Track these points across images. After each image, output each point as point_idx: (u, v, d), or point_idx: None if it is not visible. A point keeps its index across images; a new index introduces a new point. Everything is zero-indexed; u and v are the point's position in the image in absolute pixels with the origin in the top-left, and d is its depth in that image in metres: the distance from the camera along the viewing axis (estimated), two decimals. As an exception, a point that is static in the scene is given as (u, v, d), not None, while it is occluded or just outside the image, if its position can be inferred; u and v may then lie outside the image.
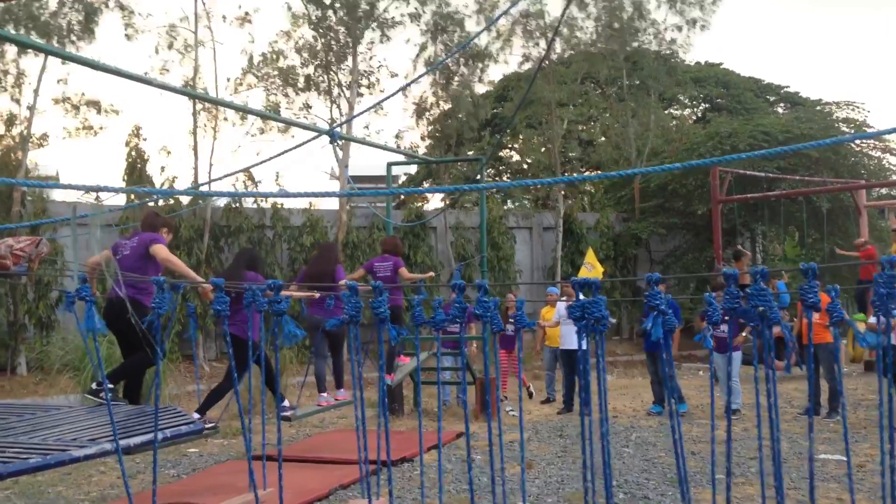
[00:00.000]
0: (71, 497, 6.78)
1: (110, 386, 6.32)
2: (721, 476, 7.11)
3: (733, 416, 10.00)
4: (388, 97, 8.48)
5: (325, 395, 8.04)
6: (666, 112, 27.64)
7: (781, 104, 30.13)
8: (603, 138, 25.54)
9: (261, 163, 7.89)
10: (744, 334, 9.45)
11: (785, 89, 30.40)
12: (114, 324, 6.35)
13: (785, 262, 19.41)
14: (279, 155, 7.77)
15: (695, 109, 30.92)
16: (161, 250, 6.17)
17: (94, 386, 6.24)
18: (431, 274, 12.36)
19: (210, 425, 6.58)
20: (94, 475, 7.45)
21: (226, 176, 10.96)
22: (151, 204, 15.81)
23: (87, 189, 5.60)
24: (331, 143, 9.09)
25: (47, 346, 12.15)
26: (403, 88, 11.38)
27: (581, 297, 3.54)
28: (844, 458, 7.65)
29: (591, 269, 14.03)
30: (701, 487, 6.59)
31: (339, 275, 8.18)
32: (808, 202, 18.18)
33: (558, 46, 21.47)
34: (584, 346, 3.94)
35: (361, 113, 9.96)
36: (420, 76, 9.43)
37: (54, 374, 10.67)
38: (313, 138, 8.45)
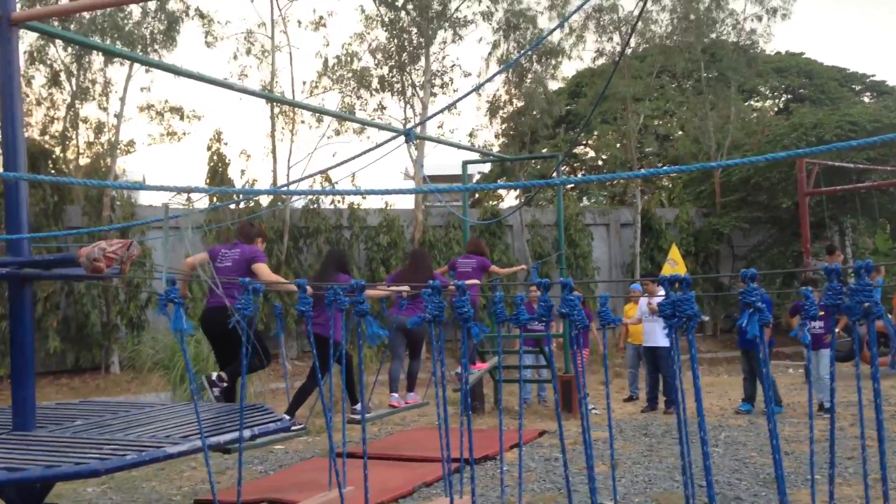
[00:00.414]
0: (164, 492, 6.97)
1: (216, 382, 6.45)
2: (818, 476, 6.89)
3: (825, 415, 9.71)
4: (463, 97, 8.47)
5: (395, 395, 8.02)
6: (746, 104, 26.93)
7: (867, 93, 29.04)
8: (680, 132, 25.05)
9: (341, 163, 7.96)
10: (837, 329, 9.13)
11: (871, 78, 29.29)
12: (210, 330, 6.60)
13: (876, 255, 18.70)
14: (359, 155, 7.86)
15: (776, 101, 30.05)
16: (263, 271, 6.39)
17: (213, 377, 6.49)
18: (523, 266, 12.25)
19: (299, 426, 6.69)
20: (186, 471, 7.65)
21: (305, 178, 11.15)
22: (233, 207, 16.24)
23: (178, 190, 5.72)
24: (406, 142, 9.16)
25: (138, 345, 12.53)
26: (478, 88, 11.37)
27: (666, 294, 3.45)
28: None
29: (675, 265, 13.77)
30: (795, 488, 6.39)
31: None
32: (901, 193, 17.47)
33: (632, 40, 21.17)
34: (674, 344, 3.86)
35: (437, 114, 9.93)
36: (494, 75, 9.39)
37: (145, 372, 11.00)
38: (391, 138, 8.52)
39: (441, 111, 10.20)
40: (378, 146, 8.84)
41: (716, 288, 19.32)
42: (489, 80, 12.53)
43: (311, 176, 10.67)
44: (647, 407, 10.65)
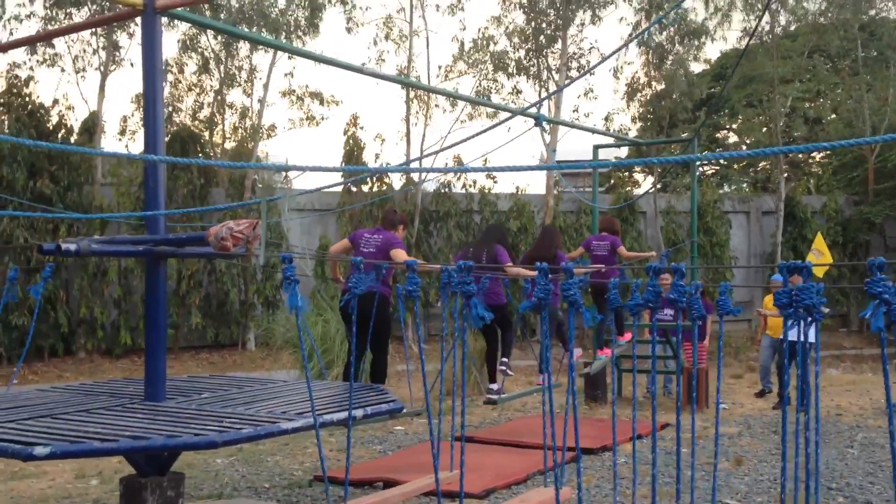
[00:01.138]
0: (286, 466, 7.23)
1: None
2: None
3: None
4: (588, 71, 8.31)
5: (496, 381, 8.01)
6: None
7: None
8: (833, 115, 23.64)
9: (468, 139, 8.05)
10: None
11: None
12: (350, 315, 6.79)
13: None
14: (483, 132, 7.89)
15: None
16: (399, 255, 6.56)
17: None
18: (653, 253, 11.90)
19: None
20: (310, 447, 7.90)
21: (436, 152, 11.24)
22: (365, 189, 16.60)
23: (303, 169, 5.89)
24: (536, 125, 9.10)
25: (272, 323, 13.06)
26: (602, 61, 11.05)
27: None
28: None
29: (820, 255, 12.99)
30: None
31: (558, 259, 8.21)
32: None
33: (783, 18, 20.10)
34: (794, 337, 3.66)
35: (558, 91, 9.80)
36: (621, 47, 9.06)
37: (277, 350, 11.44)
38: (509, 117, 8.44)
39: (561, 89, 10.02)
40: (498, 124, 8.87)
41: (863, 280, 18.15)
42: (616, 52, 11.96)
43: (441, 150, 10.71)
44: (779, 403, 10.16)
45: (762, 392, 11.06)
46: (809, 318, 3.36)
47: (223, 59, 16.91)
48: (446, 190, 17.17)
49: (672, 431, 8.79)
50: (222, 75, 16.98)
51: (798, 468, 3.41)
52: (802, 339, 3.57)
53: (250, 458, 7.51)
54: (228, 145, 18.08)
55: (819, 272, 12.48)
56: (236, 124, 17.85)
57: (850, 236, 19.07)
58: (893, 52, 20.07)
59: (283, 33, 16.38)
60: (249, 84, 17.22)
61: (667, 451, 7.81)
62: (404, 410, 5.44)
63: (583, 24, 18.26)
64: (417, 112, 17.96)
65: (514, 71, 18.42)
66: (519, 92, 18.69)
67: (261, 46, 16.46)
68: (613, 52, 7.40)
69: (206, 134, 17.49)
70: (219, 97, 17.25)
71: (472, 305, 4.01)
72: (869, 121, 19.70)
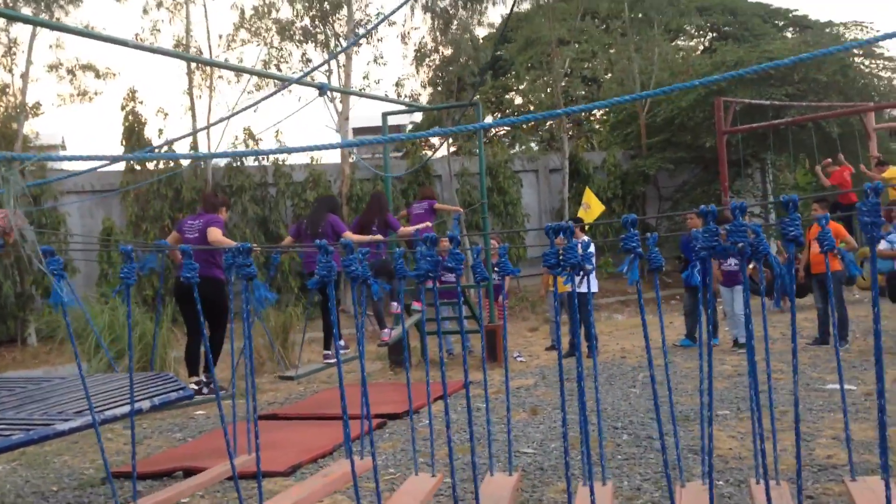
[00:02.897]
0: (76, 466, 6.81)
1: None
2: (726, 412, 7.05)
3: (740, 350, 9.95)
4: (368, 33, 8.32)
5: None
6: (672, 44, 27.02)
7: (790, 29, 29.40)
8: (608, 75, 25.08)
9: (249, 107, 7.99)
10: (750, 266, 9.34)
11: (793, 13, 29.63)
12: (182, 301, 7.04)
13: (797, 190, 19.11)
14: (260, 101, 7.79)
15: (702, 40, 30.24)
16: (213, 233, 6.82)
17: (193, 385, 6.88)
18: (461, 210, 12.28)
19: (223, 391, 6.86)
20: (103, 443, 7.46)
21: (223, 120, 10.89)
22: (151, 167, 15.76)
23: (73, 159, 5.49)
24: (320, 95, 8.97)
25: (51, 316, 12.17)
26: (380, 22, 11.23)
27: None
28: (854, 388, 7.56)
29: (588, 208, 13.75)
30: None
31: (390, 223, 8.72)
32: (818, 128, 17.78)
33: (557, -19, 20.95)
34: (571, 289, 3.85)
35: (333, 56, 9.75)
36: (398, 7, 9.07)
37: (60, 343, 10.70)
38: (287, 85, 8.30)
39: (336, 55, 9.94)
40: (273, 94, 8.74)
41: (643, 230, 19.52)
42: (393, 13, 12.00)
43: (223, 121, 10.38)
44: (569, 352, 10.75)
45: (552, 346, 11.59)
46: (581, 274, 3.52)
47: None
48: (238, 164, 16.64)
49: (474, 389, 9.10)
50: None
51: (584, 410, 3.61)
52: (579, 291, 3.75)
53: (34, 462, 7.00)
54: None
55: (591, 218, 13.26)
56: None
57: (629, 189, 20.37)
58: (657, 13, 21.53)
59: (42, 4, 15.10)
60: (9, 58, 15.78)
61: (476, 408, 8.09)
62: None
63: (367, -10, 18.17)
64: (201, 84, 17.22)
65: (301, 39, 18.07)
66: (308, 60, 18.36)
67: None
68: (392, 12, 7.42)
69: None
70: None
71: (254, 287, 3.91)
72: (638, 79, 21.06)
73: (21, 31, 15.79)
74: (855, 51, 20.30)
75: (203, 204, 7.46)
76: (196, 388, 7.07)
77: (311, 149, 4.07)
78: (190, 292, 6.38)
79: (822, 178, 14.33)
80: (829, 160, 14.51)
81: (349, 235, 7.66)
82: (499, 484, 4.00)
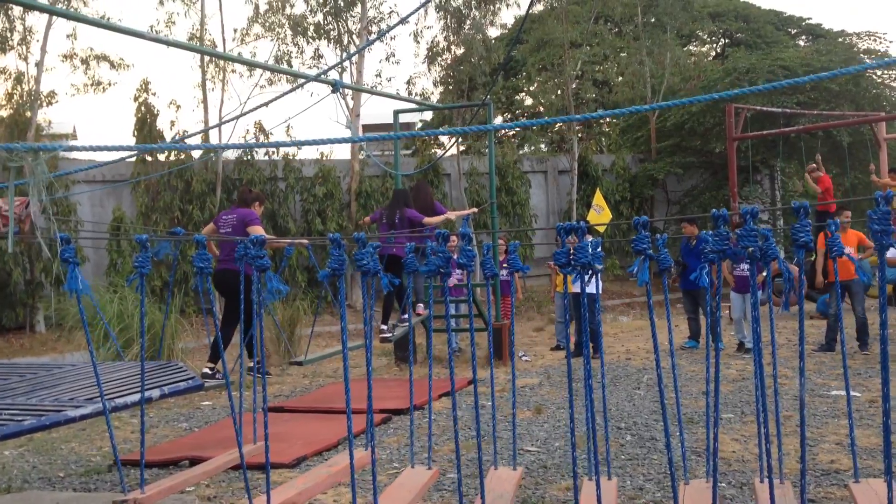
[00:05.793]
0: (83, 453, 6.87)
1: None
2: (730, 415, 7.07)
3: (745, 355, 9.96)
4: (384, 34, 8.36)
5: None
6: (684, 49, 27.03)
7: (803, 37, 29.37)
8: (620, 79, 25.09)
9: (263, 105, 8.07)
10: (763, 274, 9.34)
11: (807, 21, 29.60)
12: (221, 290, 7.37)
13: (805, 198, 19.07)
14: (276, 99, 7.82)
15: (714, 45, 30.23)
16: (256, 231, 7.04)
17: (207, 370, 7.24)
18: (475, 209, 12.38)
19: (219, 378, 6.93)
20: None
21: (228, 121, 10.91)
22: (162, 158, 15.83)
23: (97, 149, 5.50)
24: (333, 92, 9.02)
25: (61, 303, 12.24)
26: (398, 24, 11.26)
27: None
28: (858, 395, 7.58)
29: (600, 211, 13.78)
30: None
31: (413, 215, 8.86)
32: (828, 136, 17.77)
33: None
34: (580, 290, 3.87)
35: (349, 56, 9.81)
36: (416, 9, 9.08)
37: (69, 331, 10.76)
38: (303, 83, 8.35)
39: (352, 54, 10.00)
40: (289, 92, 8.77)
41: (651, 233, 19.49)
42: (411, 15, 12.00)
43: (236, 119, 10.41)
44: (576, 352, 10.77)
45: (558, 346, 11.63)
46: (590, 274, 3.54)
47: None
48: (248, 157, 16.70)
49: (480, 386, 9.13)
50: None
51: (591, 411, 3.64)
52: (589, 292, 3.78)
53: (42, 448, 7.06)
54: (3, 113, 16.60)
55: (599, 222, 13.30)
56: (10, 90, 16.39)
57: (637, 192, 20.40)
58: (669, 18, 21.52)
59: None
60: (24, 47, 15.86)
61: (482, 405, 8.12)
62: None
63: (381, -13, 18.23)
64: (213, 77, 17.28)
65: (314, 35, 18.13)
66: (321, 56, 18.45)
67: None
68: (410, 14, 7.46)
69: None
70: (-11, 61, 15.78)
71: (267, 279, 3.94)
72: (649, 84, 21.06)
73: (37, 19, 15.89)
74: (867, 59, 20.28)
75: (238, 199, 7.74)
76: (210, 372, 7.25)
77: (321, 142, 4.12)
78: (229, 283, 6.89)
79: (811, 185, 14.33)
80: (814, 165, 14.52)
81: (430, 220, 8.43)
82: (502, 477, 4.04)
